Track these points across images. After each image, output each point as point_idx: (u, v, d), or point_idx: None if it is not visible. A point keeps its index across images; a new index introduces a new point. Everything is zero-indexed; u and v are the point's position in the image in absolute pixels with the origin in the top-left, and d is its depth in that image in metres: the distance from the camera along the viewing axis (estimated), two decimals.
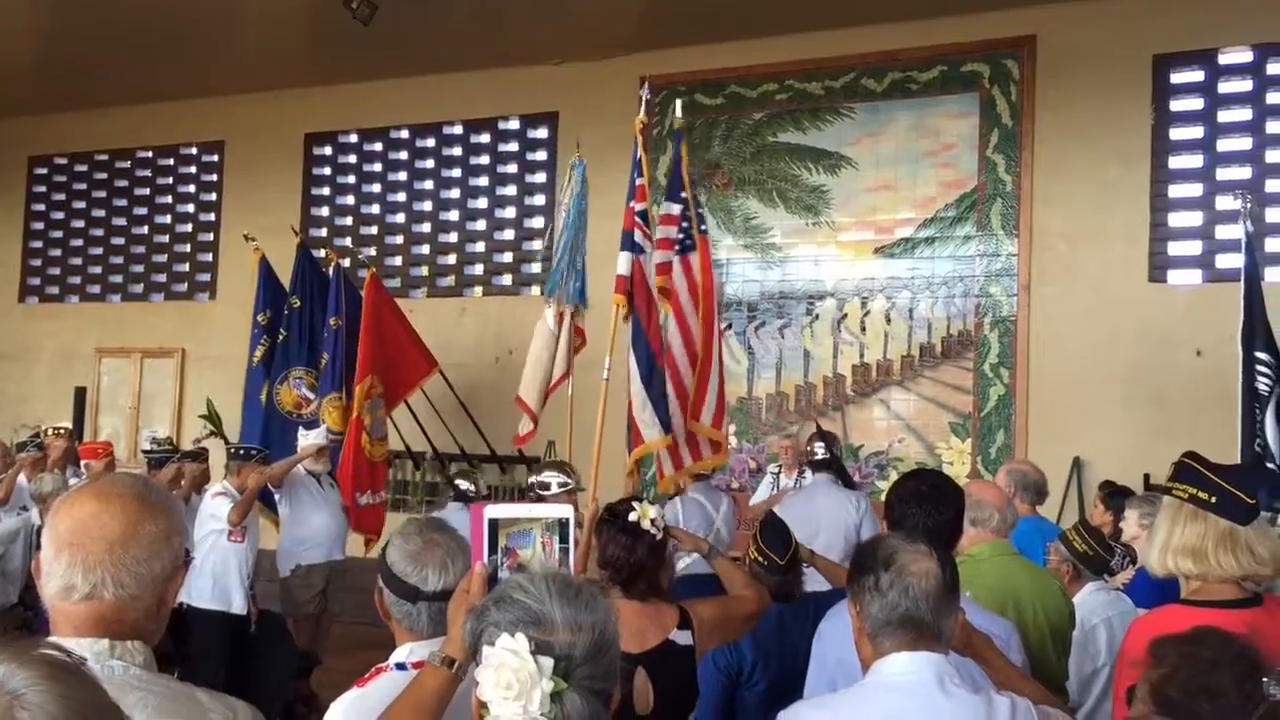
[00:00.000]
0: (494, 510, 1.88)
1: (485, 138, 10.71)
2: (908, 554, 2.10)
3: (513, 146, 10.56)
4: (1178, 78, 8.49)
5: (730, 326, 9.46)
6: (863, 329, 9.14)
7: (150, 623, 1.62)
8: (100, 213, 12.56)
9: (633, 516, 2.97)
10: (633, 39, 9.54)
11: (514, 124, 10.46)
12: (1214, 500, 2.55)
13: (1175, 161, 8.48)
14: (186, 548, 1.69)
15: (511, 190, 10.55)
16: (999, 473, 5.18)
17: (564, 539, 1.87)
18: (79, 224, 12.68)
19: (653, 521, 2.96)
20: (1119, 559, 4.54)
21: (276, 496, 7.31)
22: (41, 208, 12.91)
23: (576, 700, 1.41)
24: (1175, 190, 8.49)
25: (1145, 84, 8.42)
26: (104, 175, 12.55)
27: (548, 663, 1.39)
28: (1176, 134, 8.49)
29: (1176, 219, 8.49)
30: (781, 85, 9.44)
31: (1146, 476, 7.50)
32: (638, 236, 5.90)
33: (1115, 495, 5.84)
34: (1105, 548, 4.19)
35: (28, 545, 6.50)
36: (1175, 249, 8.46)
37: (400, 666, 2.11)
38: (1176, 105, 8.52)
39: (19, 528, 6.57)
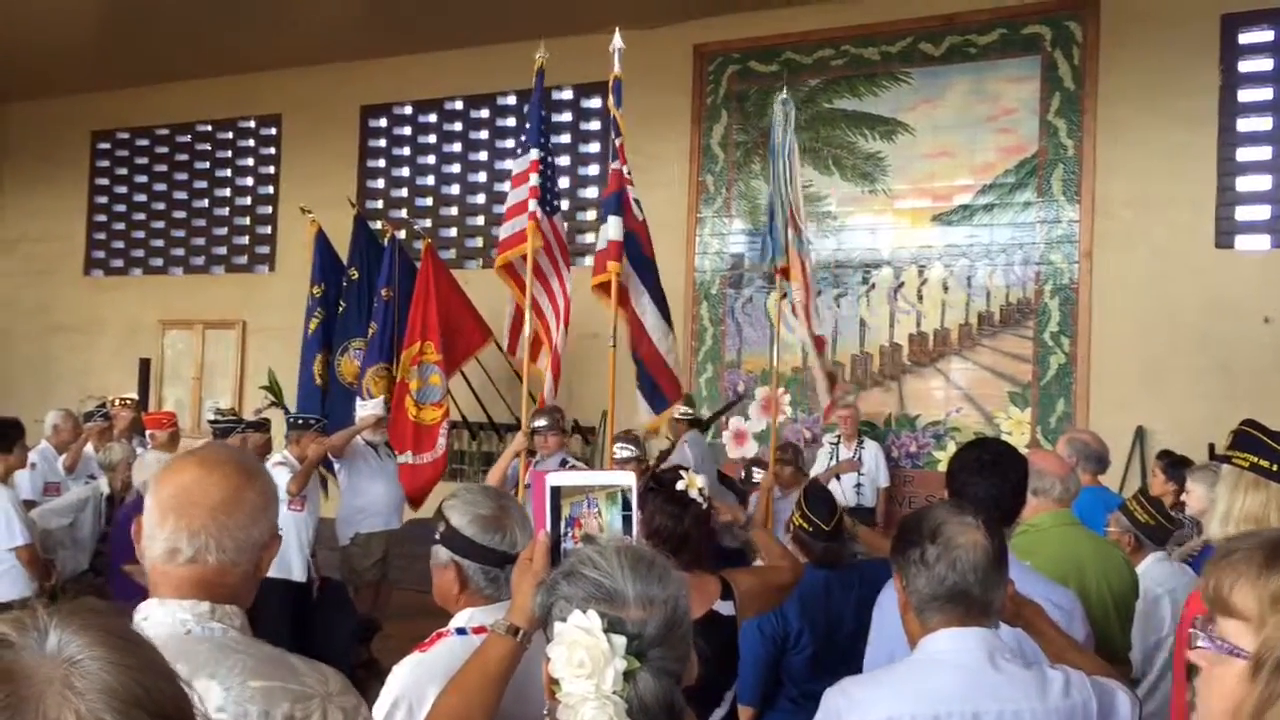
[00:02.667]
0: (556, 478, 1.88)
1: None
2: (954, 525, 2.03)
3: (566, 116, 10.54)
4: (1246, 38, 8.25)
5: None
6: (920, 298, 9.03)
7: (246, 588, 1.67)
8: (161, 186, 12.75)
9: (681, 485, 2.96)
10: (686, 7, 9.46)
11: (568, 94, 10.44)
12: (1276, 468, 2.49)
13: (1244, 124, 8.25)
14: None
15: (565, 160, 10.55)
16: (1059, 443, 5.10)
17: (626, 507, 1.86)
18: (141, 198, 12.88)
19: (700, 490, 2.95)
20: (1189, 530, 4.46)
21: (336, 466, 7.40)
22: (105, 182, 13.13)
23: (649, 680, 1.39)
24: (1244, 154, 8.27)
25: (1213, 44, 8.19)
26: (165, 149, 12.72)
27: (620, 641, 1.38)
28: (1245, 96, 8.26)
29: (1245, 183, 8.27)
30: (837, 51, 9.31)
31: (1211, 446, 7.34)
32: (634, 195, 5.87)
33: (1175, 465, 5.73)
34: (1167, 518, 4.12)
35: (96, 513, 6.64)
36: (1243, 214, 8.26)
37: (461, 631, 2.11)
38: (1245, 66, 8.28)
39: (88, 496, 6.70)
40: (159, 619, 1.55)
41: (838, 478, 8.06)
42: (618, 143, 5.92)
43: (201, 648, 1.53)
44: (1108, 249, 8.41)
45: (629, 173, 5.89)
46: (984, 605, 2.01)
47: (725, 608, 2.94)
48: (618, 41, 5.87)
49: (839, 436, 8.66)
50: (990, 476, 2.85)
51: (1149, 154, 8.31)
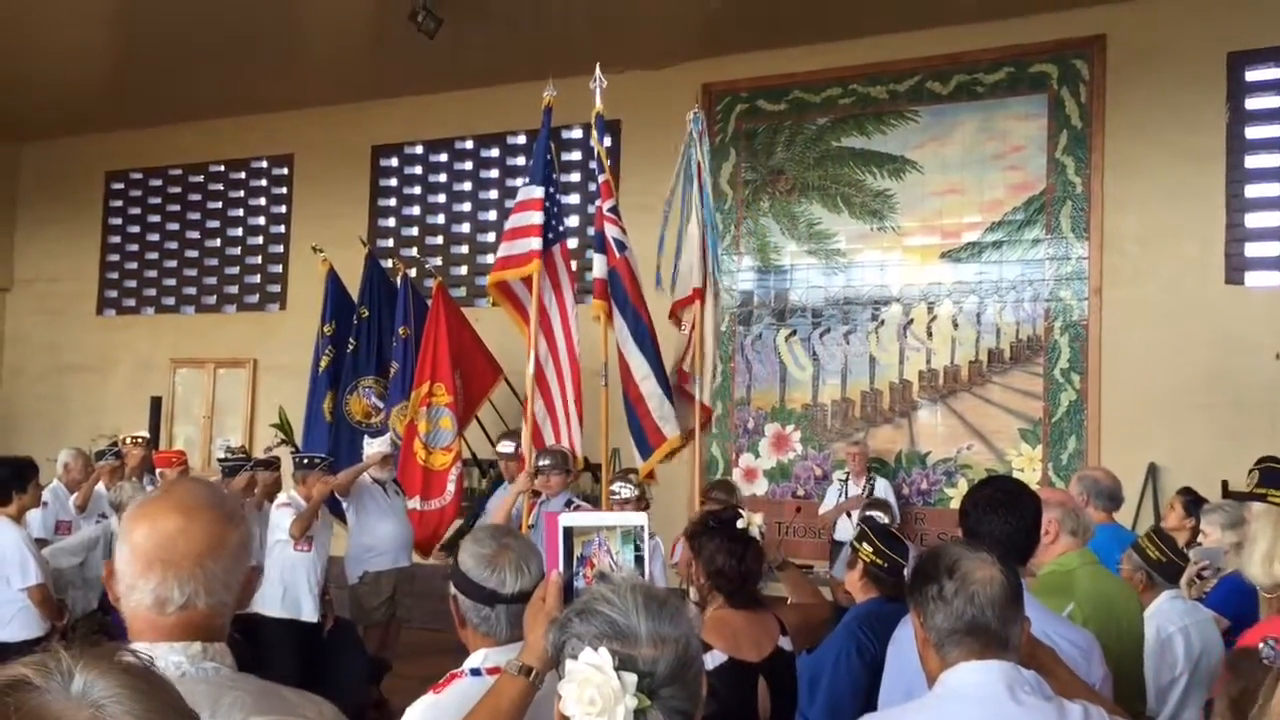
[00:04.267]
0: (569, 519, 1.89)
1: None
2: (970, 561, 2.05)
3: (575, 155, 10.61)
4: (1253, 75, 8.29)
5: (795, 333, 9.42)
6: (929, 334, 9.04)
7: (228, 623, 1.67)
8: (174, 225, 12.83)
9: (741, 524, 2.99)
10: (694, 46, 9.55)
11: (577, 133, 10.51)
12: None
13: (1251, 160, 8.28)
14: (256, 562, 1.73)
15: (575, 199, 10.60)
16: (1071, 482, 5.09)
17: (638, 547, 1.87)
18: (154, 237, 12.97)
19: (758, 528, 2.99)
20: (1210, 570, 4.43)
21: (344, 505, 7.40)
22: (118, 221, 13.23)
23: (660, 718, 1.40)
24: (1252, 190, 8.29)
25: (1219, 82, 8.24)
26: (178, 189, 12.83)
27: (631, 679, 1.38)
28: (1252, 132, 8.30)
29: (1254, 219, 8.29)
30: (845, 89, 9.38)
31: (1225, 483, 7.32)
32: (613, 234, 5.89)
33: (1196, 502, 5.71)
34: (1179, 555, 4.10)
35: (107, 552, 6.64)
36: (1252, 250, 8.26)
37: (475, 672, 2.11)
38: (1252, 103, 8.32)
39: (99, 535, 6.71)
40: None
41: (848, 514, 8.04)
42: (601, 179, 5.98)
43: (199, 688, 1.53)
44: (1117, 285, 8.41)
45: (610, 209, 5.94)
46: (1002, 640, 2.01)
47: (786, 643, 2.99)
48: (599, 80, 5.94)
49: (848, 473, 8.64)
50: (1005, 515, 2.84)
51: (1157, 190, 8.33)
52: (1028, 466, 8.57)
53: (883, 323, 9.20)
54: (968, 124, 8.96)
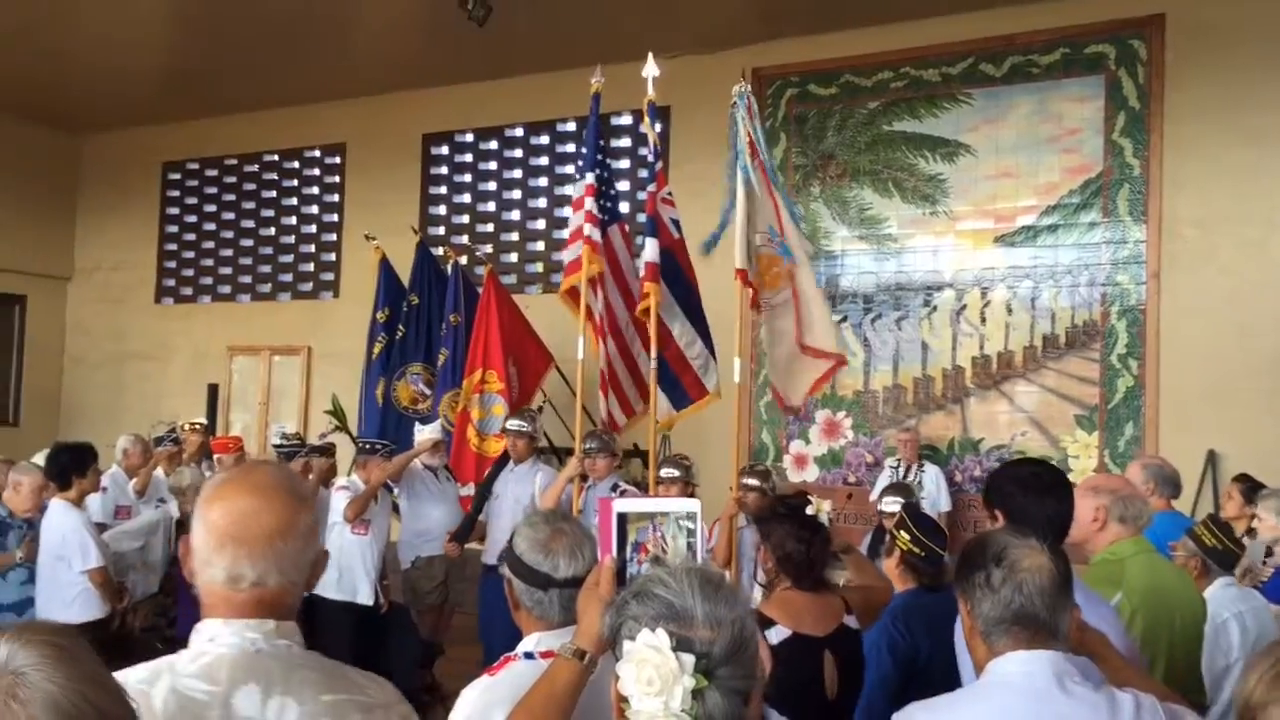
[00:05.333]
0: (622, 504, 1.90)
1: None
2: (1018, 549, 2.03)
3: (625, 142, 10.61)
4: None
5: (846, 319, 9.36)
6: (983, 320, 8.94)
7: (298, 603, 1.72)
8: (230, 215, 13.01)
9: (810, 510, 3.02)
10: (744, 31, 9.50)
11: (626, 119, 10.50)
12: None
13: None
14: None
15: (625, 185, 10.60)
16: (1131, 467, 4.99)
17: (691, 532, 1.88)
18: (210, 226, 13.15)
19: (827, 515, 3.03)
20: (1258, 558, 4.37)
21: (395, 491, 7.47)
22: (175, 211, 13.44)
23: (718, 698, 1.41)
24: None
25: None
26: (233, 179, 13.00)
27: (689, 659, 1.40)
28: None
29: None
30: (897, 73, 9.28)
31: None
32: (670, 215, 5.99)
33: (1254, 489, 5.62)
34: (1235, 542, 4.04)
35: (166, 536, 6.77)
36: None
37: (528, 656, 2.13)
38: None
39: (158, 520, 6.84)
40: (226, 639, 1.60)
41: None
42: (657, 167, 6.04)
43: (274, 664, 1.58)
44: (1176, 269, 8.27)
45: (669, 194, 6.01)
46: (1051, 628, 2.00)
47: (852, 621, 3.04)
48: (651, 68, 5.95)
49: (899, 460, 8.59)
50: (1050, 498, 2.79)
51: (1217, 172, 8.17)
52: (1083, 453, 8.46)
53: (935, 308, 9.11)
54: (1022, 106, 8.83)
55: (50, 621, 0.99)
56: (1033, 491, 2.79)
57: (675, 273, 6.06)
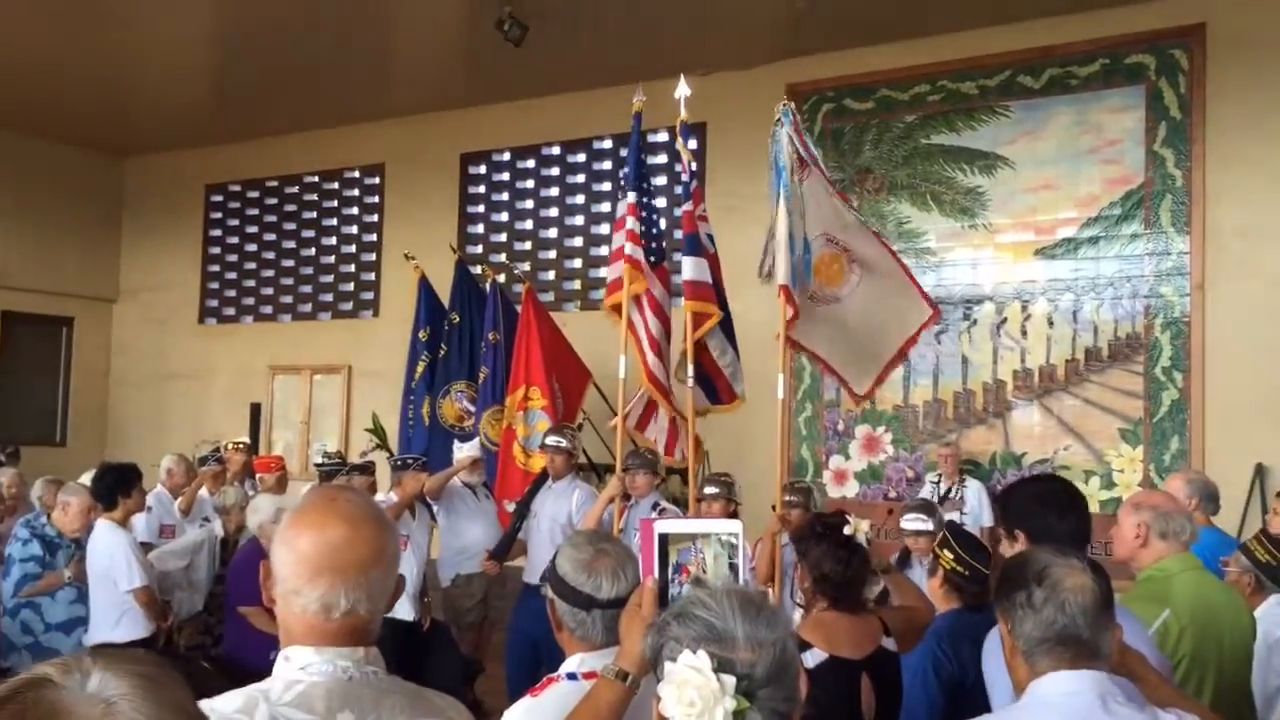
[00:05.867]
0: (664, 525, 1.90)
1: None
2: (1061, 568, 2.01)
3: (661, 159, 10.63)
4: None
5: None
6: (1024, 333, 8.86)
7: (378, 631, 1.74)
8: (271, 236, 13.16)
9: (848, 530, 3.00)
10: (780, 47, 9.50)
11: (662, 136, 10.52)
12: None
13: None
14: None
15: (661, 202, 10.60)
16: (1173, 481, 4.92)
17: (733, 554, 1.87)
18: (252, 247, 13.31)
19: (865, 535, 3.01)
20: None
21: (435, 508, 7.50)
22: (218, 233, 13.61)
23: None
24: None
25: None
26: (274, 200, 13.15)
27: (730, 681, 1.39)
28: None
29: None
30: (934, 86, 9.25)
31: None
32: (707, 230, 6.03)
33: None
34: None
35: (211, 555, 6.83)
36: None
37: (571, 677, 2.13)
38: None
39: (203, 539, 6.89)
40: (319, 667, 1.61)
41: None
42: (694, 186, 6.07)
43: (365, 692, 1.61)
44: (1220, 280, 8.16)
45: (704, 211, 6.05)
46: (1094, 648, 1.97)
47: (889, 644, 3.00)
48: (683, 89, 5.98)
49: (940, 475, 8.52)
50: (1072, 514, 2.76)
51: (1261, 181, 8.06)
52: (1128, 467, 8.35)
53: (975, 322, 9.04)
54: (1061, 118, 8.77)
55: (142, 653, 1.01)
56: (1054, 508, 2.75)
57: (716, 288, 6.10)
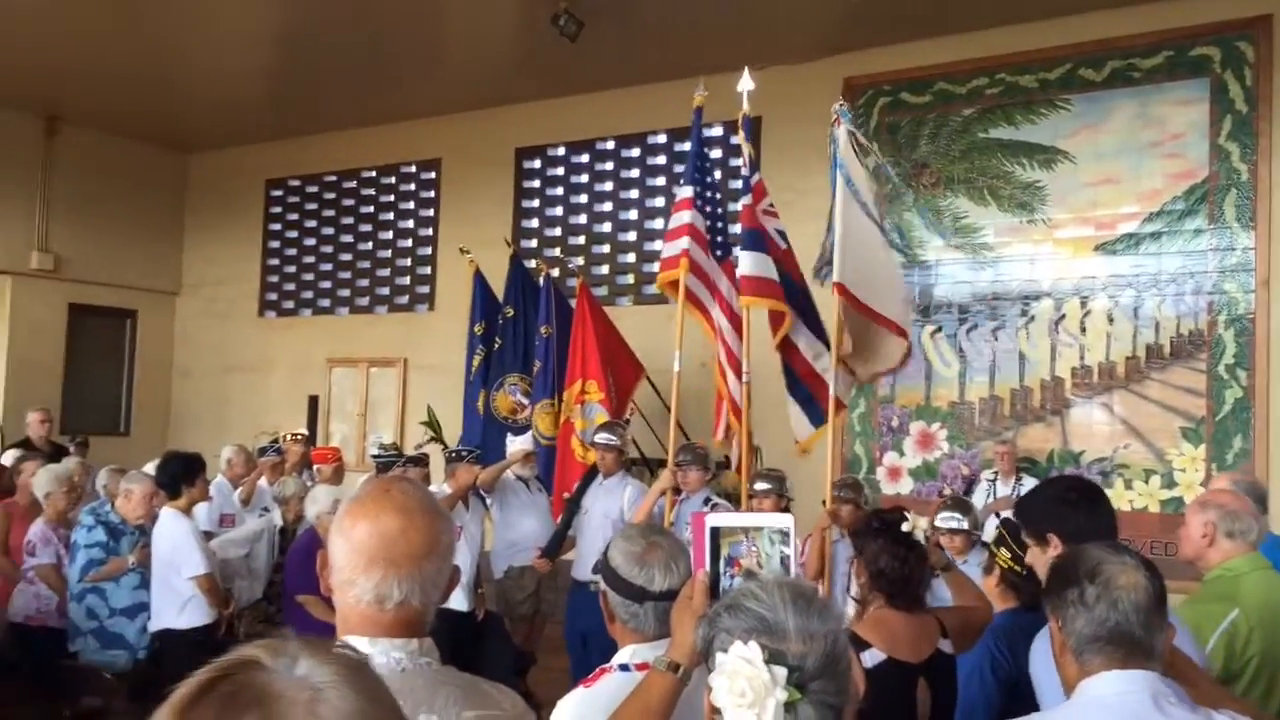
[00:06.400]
0: (716, 519, 1.91)
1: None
2: (1114, 565, 1.98)
3: (716, 153, 10.60)
4: None
5: (940, 329, 9.24)
6: (1083, 330, 8.74)
7: (431, 622, 1.76)
8: (329, 230, 13.31)
9: (906, 526, 2.99)
10: (835, 40, 9.44)
11: (716, 130, 10.49)
12: None
13: None
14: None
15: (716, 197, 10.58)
16: (1218, 482, 4.79)
17: (785, 547, 1.87)
18: (310, 241, 13.47)
19: (924, 531, 3.00)
20: None
21: (487, 501, 7.56)
22: (277, 227, 13.80)
23: (811, 712, 1.40)
24: None
25: None
26: (332, 195, 13.30)
27: (781, 672, 1.40)
28: None
29: None
30: (992, 79, 9.13)
31: None
32: (775, 226, 5.95)
33: None
34: None
35: (270, 544, 6.94)
36: None
37: (624, 668, 2.14)
38: None
39: (263, 528, 7.01)
40: (374, 659, 1.61)
41: (996, 515, 7.83)
42: (754, 180, 6.02)
43: (418, 683, 1.62)
44: None
45: (770, 205, 5.99)
46: (1147, 648, 1.94)
47: (946, 646, 2.98)
48: (746, 83, 5.95)
49: (996, 473, 8.43)
50: (1100, 511, 2.72)
51: None
52: (1189, 466, 8.21)
53: (1033, 318, 8.93)
54: (1123, 111, 8.62)
55: (340, 640, 1.02)
56: (1083, 507, 2.72)
57: (789, 285, 6.01)
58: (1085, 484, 2.84)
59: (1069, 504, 2.74)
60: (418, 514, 1.69)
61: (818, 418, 5.96)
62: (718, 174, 10.29)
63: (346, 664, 0.97)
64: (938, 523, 5.54)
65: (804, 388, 5.98)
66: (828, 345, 5.83)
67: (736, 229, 6.20)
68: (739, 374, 6.12)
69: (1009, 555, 3.47)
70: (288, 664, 0.94)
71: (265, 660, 0.94)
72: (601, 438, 6.91)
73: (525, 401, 9.17)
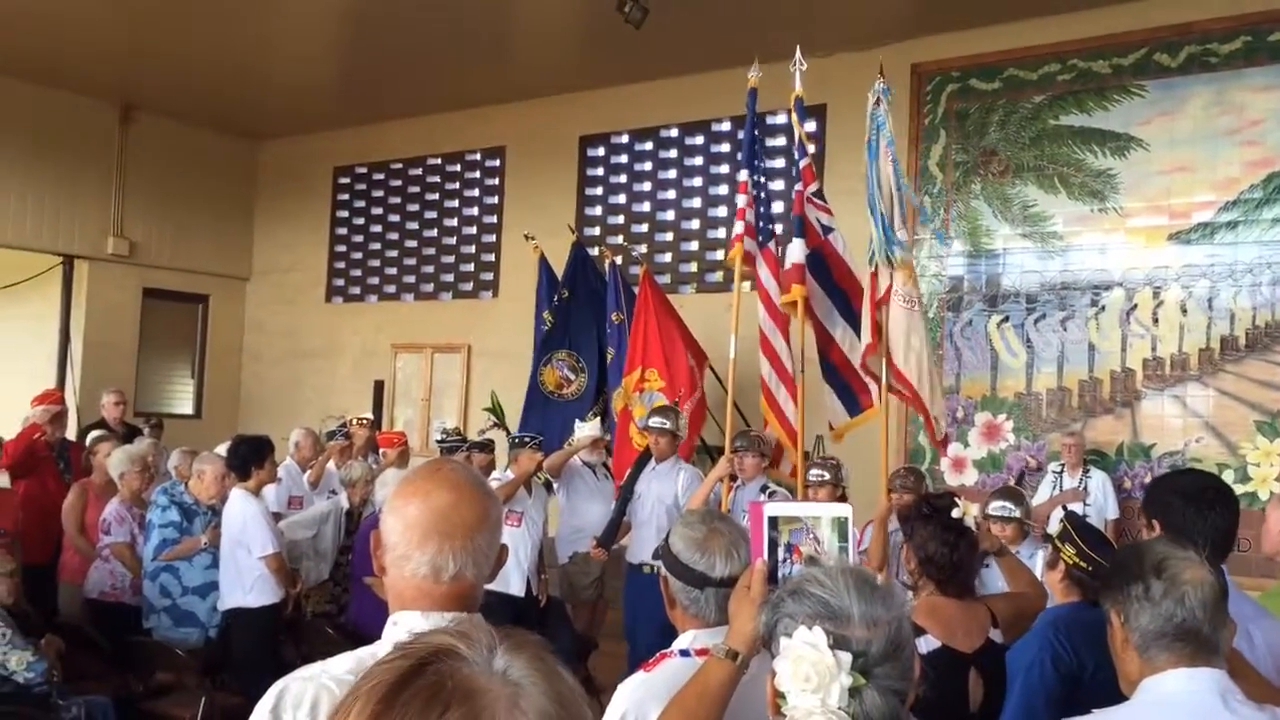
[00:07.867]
0: (774, 508, 1.91)
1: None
2: (1179, 560, 1.95)
3: (779, 141, 10.54)
4: None
5: (1007, 319, 9.11)
6: (1155, 320, 8.56)
7: (481, 597, 1.80)
8: (395, 217, 13.45)
9: (956, 512, 2.97)
10: (901, 27, 9.33)
11: (781, 118, 10.43)
12: None
13: None
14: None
15: (779, 185, 10.53)
16: None
17: (843, 537, 1.87)
18: (377, 228, 13.63)
19: (974, 518, 2.97)
20: None
21: (555, 486, 7.60)
22: (345, 214, 13.97)
23: (875, 698, 1.40)
24: None
25: None
26: (399, 182, 13.44)
27: (845, 657, 1.40)
28: None
29: None
30: (1064, 65, 8.97)
31: None
32: (816, 216, 5.92)
33: None
34: None
35: (337, 526, 7.05)
36: None
37: (684, 653, 2.16)
38: None
39: (330, 510, 7.12)
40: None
41: (1063, 508, 7.72)
42: (803, 164, 5.98)
43: None
44: None
45: (816, 192, 5.97)
46: (1213, 645, 1.92)
47: (996, 635, 2.96)
48: (799, 63, 5.89)
49: (1063, 465, 8.31)
50: (1215, 513, 2.67)
51: None
52: (1264, 461, 8.02)
53: (1103, 309, 8.77)
54: (1199, 97, 8.43)
55: (523, 631, 1.02)
56: (1195, 504, 2.68)
57: (824, 274, 5.99)
58: (1211, 484, 2.79)
59: (1183, 497, 2.71)
60: (467, 489, 1.75)
61: (854, 408, 5.97)
62: (780, 162, 10.27)
63: (538, 658, 0.95)
64: (990, 511, 5.38)
65: (840, 377, 5.98)
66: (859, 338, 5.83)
67: (779, 209, 6.25)
68: (774, 361, 6.12)
69: (1074, 551, 3.40)
70: (485, 656, 0.92)
71: (462, 650, 0.92)
72: (655, 422, 6.93)
73: (571, 376, 9.26)
